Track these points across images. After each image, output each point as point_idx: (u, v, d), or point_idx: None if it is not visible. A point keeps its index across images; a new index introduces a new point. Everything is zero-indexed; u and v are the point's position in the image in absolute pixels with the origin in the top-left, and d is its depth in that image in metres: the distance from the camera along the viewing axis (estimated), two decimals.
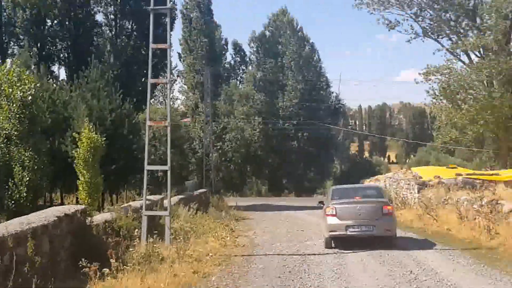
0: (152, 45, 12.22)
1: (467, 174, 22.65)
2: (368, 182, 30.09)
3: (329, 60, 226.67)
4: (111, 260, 9.17)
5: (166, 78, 12.02)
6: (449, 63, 33.19)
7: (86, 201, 16.82)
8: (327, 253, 12.84)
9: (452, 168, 26.09)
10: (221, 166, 46.08)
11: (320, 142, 51.43)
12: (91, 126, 17.66)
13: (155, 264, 10.04)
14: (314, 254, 12.72)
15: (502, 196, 15.95)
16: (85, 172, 17.13)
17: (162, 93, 56.20)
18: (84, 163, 17.09)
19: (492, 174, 22.62)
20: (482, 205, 15.21)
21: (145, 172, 12.38)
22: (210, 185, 35.54)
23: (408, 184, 23.10)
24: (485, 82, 31.86)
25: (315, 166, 52.83)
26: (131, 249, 10.21)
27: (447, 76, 32.66)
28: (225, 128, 46.47)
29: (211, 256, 11.54)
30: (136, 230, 12.22)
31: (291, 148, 51.31)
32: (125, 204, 15.71)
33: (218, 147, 45.38)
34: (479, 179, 21.26)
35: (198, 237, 14.68)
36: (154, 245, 10.83)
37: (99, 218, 11.94)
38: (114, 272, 9.03)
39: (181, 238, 12.51)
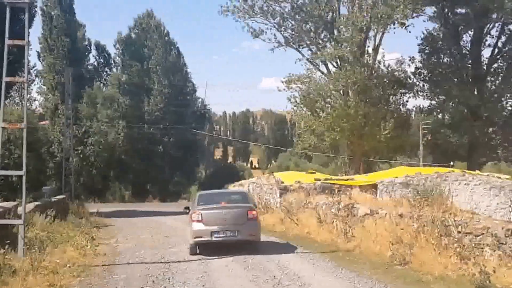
0: (8, 41, 11.15)
1: (325, 179, 23.82)
2: (232, 187, 30.49)
3: (196, 64, 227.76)
4: None
5: (23, 77, 10.89)
6: (309, 73, 34.83)
7: None
8: (192, 260, 12.67)
9: (311, 173, 27.31)
10: (82, 171, 43.79)
11: (186, 146, 51.19)
12: None
13: (6, 278, 9.11)
14: (179, 261, 12.48)
15: (357, 200, 17.05)
16: None
17: (18, 93, 52.08)
18: None
19: (347, 179, 24.08)
20: (339, 209, 16.04)
21: None
22: (70, 191, 33.56)
23: (271, 188, 23.72)
24: (341, 91, 33.78)
25: (180, 170, 52.42)
26: None
27: (307, 84, 34.21)
28: (87, 131, 44.30)
29: (69, 267, 10.76)
30: None
31: (156, 152, 50.42)
32: None
33: (79, 151, 43.11)
34: (336, 184, 22.48)
35: (55, 247, 13.68)
36: (6, 257, 9.84)
37: None
38: None
39: (36, 248, 11.57)
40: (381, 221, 13.80)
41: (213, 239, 13.26)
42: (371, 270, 10.89)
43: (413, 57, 36.77)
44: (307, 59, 35.49)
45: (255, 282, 9.70)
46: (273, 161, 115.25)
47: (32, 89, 52.95)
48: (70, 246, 13.44)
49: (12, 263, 9.84)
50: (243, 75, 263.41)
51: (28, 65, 10.85)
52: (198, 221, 13.39)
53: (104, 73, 54.28)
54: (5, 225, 12.11)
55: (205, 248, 13.60)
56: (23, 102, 47.08)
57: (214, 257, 12.77)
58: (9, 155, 36.04)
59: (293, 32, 35.93)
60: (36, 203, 20.72)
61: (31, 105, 51.61)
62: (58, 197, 26.72)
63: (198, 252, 13.51)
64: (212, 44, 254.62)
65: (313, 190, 21.56)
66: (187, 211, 14.73)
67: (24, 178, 11.36)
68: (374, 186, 22.56)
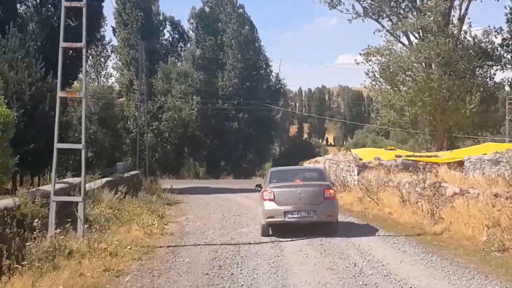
0: (65, 3, 10.44)
1: (407, 156, 22.18)
2: (308, 164, 29.30)
3: (269, 41, 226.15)
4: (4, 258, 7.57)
5: (82, 43, 10.14)
6: (389, 45, 33.05)
7: None
8: (264, 242, 11.67)
9: (391, 150, 25.69)
10: (157, 147, 44.01)
11: (260, 123, 50.35)
12: (1, 99, 15.54)
13: (60, 261, 8.44)
14: (250, 244, 11.50)
15: (444, 178, 15.37)
16: None
17: (94, 69, 53.35)
18: None
19: (431, 156, 22.26)
20: (424, 188, 14.54)
21: (55, 151, 10.64)
22: (144, 167, 33.66)
23: (348, 165, 22.37)
24: (423, 64, 31.79)
25: (254, 147, 51.79)
26: (28, 243, 8.48)
27: (387, 57, 32.41)
28: (162, 107, 44.32)
29: (130, 248, 9.99)
30: (47, 219, 10.56)
31: (230, 129, 49.94)
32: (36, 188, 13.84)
33: (154, 127, 43.26)
34: (420, 161, 20.79)
35: (121, 225, 13.13)
36: (62, 237, 9.21)
37: None
38: (6, 272, 7.45)
39: (98, 227, 10.96)
40: (473, 201, 12.21)
41: (287, 219, 12.17)
42: (466, 257, 9.44)
43: (500, 27, 33.78)
44: (387, 30, 33.78)
45: (333, 271, 8.51)
46: (349, 138, 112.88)
47: (108, 65, 54.18)
48: (136, 224, 12.79)
49: (69, 244, 9.19)
50: (318, 52, 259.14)
51: (85, 27, 10.06)
52: (270, 200, 12.33)
53: (179, 48, 54.12)
54: (69, 203, 11.56)
55: (278, 229, 12.61)
56: (99, 77, 48.30)
57: (287, 239, 11.72)
58: (85, 130, 36.73)
59: (372, 2, 34.18)
60: (107, 179, 20.49)
61: (107, 81, 52.74)
62: (131, 173, 26.57)
63: (270, 233, 12.54)
64: (284, 20, 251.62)
65: (394, 168, 20.03)
66: (259, 189, 13.70)
67: (83, 151, 10.70)
68: (460, 164, 20.75)
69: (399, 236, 12.00)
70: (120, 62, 48.65)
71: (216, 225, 14.95)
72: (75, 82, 32.65)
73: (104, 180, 20.04)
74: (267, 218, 12.31)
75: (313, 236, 11.91)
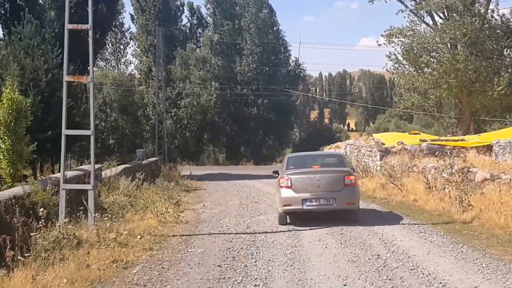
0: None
1: (432, 140, 21.35)
2: (328, 149, 28.63)
3: (289, 26, 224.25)
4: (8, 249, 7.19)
5: (89, 25, 9.66)
6: (412, 25, 31.85)
7: (7, 171, 14.55)
8: (281, 231, 11.17)
9: (415, 134, 24.80)
10: (176, 133, 43.74)
11: (279, 108, 49.62)
12: (15, 86, 15.22)
13: (68, 251, 8.06)
14: (266, 232, 11.02)
15: (473, 163, 14.61)
16: (6, 138, 14.77)
17: (114, 56, 53.17)
18: (5, 128, 14.73)
19: (458, 140, 21.39)
20: (452, 173, 13.82)
21: (63, 137, 10.25)
22: (163, 154, 33.39)
23: (370, 151, 21.68)
24: (448, 44, 30.62)
25: (274, 133, 51.14)
26: (33, 233, 8.08)
27: (410, 38, 31.26)
28: (180, 93, 43.93)
29: (141, 238, 9.58)
30: (58, 207, 10.22)
31: (249, 114, 49.29)
32: (47, 176, 13.54)
33: (173, 113, 42.94)
34: (446, 145, 19.97)
35: (135, 213, 12.78)
36: (70, 226, 8.82)
37: (6, 193, 9.82)
38: (10, 263, 7.08)
39: (110, 215, 10.56)
40: (505, 188, 11.51)
41: (305, 207, 11.63)
42: (500, 248, 8.77)
43: None
44: (410, 10, 32.34)
45: (354, 263, 7.95)
46: (371, 123, 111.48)
47: (127, 52, 53.89)
48: (150, 212, 12.40)
49: (79, 233, 8.80)
50: (339, 35, 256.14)
51: (91, 7, 9.58)
52: (287, 187, 11.79)
53: (197, 34, 53.47)
54: (81, 191, 11.19)
55: (296, 217, 12.11)
56: (118, 65, 48.09)
57: (305, 228, 11.21)
58: (106, 118, 36.53)
59: None
60: (125, 166, 20.23)
61: (127, 68, 52.49)
62: (151, 159, 26.30)
63: (288, 221, 12.04)
64: (304, 3, 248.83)
65: (418, 153, 19.25)
66: (276, 175, 13.17)
67: (92, 138, 10.27)
68: (489, 148, 19.84)
69: (425, 224, 11.38)
70: (138, 49, 48.31)
71: (233, 212, 14.53)
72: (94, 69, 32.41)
73: (122, 167, 19.79)
74: (284, 206, 11.80)
75: (333, 224, 11.36)
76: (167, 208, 13.64)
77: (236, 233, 11.03)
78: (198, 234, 11.03)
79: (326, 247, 9.23)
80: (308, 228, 11.22)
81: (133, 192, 15.96)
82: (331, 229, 10.97)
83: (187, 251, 9.11)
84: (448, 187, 13.70)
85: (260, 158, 48.03)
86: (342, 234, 10.49)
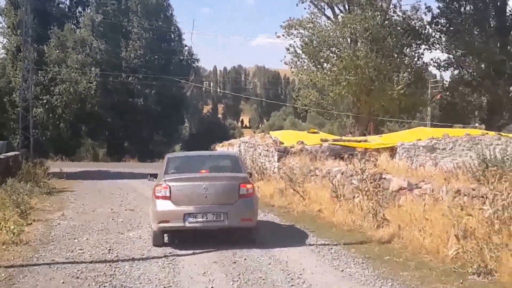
0: None
1: (334, 140, 19.55)
2: (220, 148, 25.97)
3: (184, 16, 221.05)
4: None
5: None
6: (312, 17, 30.43)
7: None
8: (154, 257, 8.38)
9: (314, 133, 22.95)
10: (48, 124, 38.68)
11: (170, 101, 46.30)
12: None
13: None
14: (133, 260, 8.13)
15: (387, 169, 12.65)
16: None
17: None
18: None
19: (360, 141, 19.77)
20: (363, 180, 11.77)
21: None
22: (28, 147, 28.82)
23: (267, 150, 19.37)
24: (349, 39, 29.49)
25: (162, 128, 47.74)
26: None
27: (310, 31, 29.76)
28: (55, 78, 38.83)
29: None
30: None
31: (135, 106, 45.47)
32: None
33: (45, 101, 37.87)
34: (348, 147, 18.21)
35: None
36: None
37: None
38: None
39: None
40: (430, 200, 9.56)
41: (187, 224, 8.84)
42: (438, 285, 6.73)
43: (429, 6, 32.41)
44: (311, 1, 30.93)
45: None
46: (265, 121, 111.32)
47: None
48: None
49: None
50: (235, 30, 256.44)
51: None
52: (165, 197, 8.92)
53: (78, 13, 48.23)
54: None
55: (177, 235, 9.39)
56: None
57: (187, 251, 8.62)
58: None
59: None
60: None
61: None
62: (7, 154, 22.04)
63: (165, 241, 9.28)
64: None
65: (320, 154, 17.24)
66: (153, 179, 10.16)
67: None
68: (391, 150, 18.55)
69: (336, 245, 9.14)
70: (6, 26, 42.27)
71: (97, 225, 11.49)
72: None
73: None
74: (160, 222, 8.91)
75: (223, 246, 8.81)
76: (7, 220, 10.28)
77: (91, 262, 8.03)
78: (34, 265, 7.84)
79: (212, 285, 6.54)
80: (191, 251, 8.61)
81: None
82: (220, 254, 8.37)
83: None
84: (358, 196, 11.64)
85: (146, 155, 44.47)
86: (235, 262, 7.92)
